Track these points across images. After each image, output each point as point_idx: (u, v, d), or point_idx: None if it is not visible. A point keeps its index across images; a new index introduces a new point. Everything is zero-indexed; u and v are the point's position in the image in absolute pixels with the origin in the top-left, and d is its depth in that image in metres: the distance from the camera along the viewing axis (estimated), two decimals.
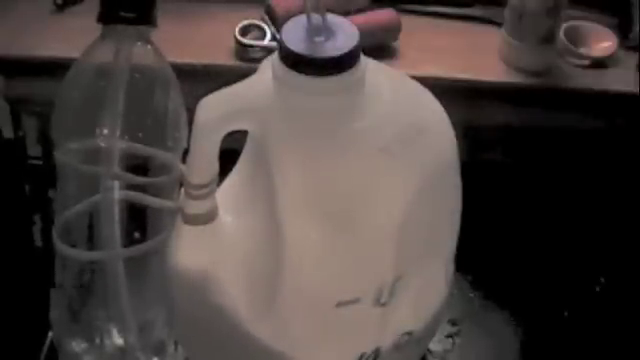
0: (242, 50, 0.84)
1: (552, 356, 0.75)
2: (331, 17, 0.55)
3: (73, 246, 0.59)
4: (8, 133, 0.87)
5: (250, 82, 0.57)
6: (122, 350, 0.60)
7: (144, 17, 0.57)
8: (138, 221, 0.59)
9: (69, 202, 0.58)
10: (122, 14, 0.57)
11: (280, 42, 0.54)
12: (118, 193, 0.57)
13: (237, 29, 0.84)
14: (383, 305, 0.58)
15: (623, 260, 0.82)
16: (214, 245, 0.59)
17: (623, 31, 0.89)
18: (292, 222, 0.55)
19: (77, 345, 0.61)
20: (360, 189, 0.55)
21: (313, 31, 0.54)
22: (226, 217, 0.59)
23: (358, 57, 0.55)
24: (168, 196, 0.59)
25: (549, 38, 0.84)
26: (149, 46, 0.58)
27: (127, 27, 0.57)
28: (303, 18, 0.54)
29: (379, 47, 0.85)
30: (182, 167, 0.58)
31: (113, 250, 0.57)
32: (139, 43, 0.58)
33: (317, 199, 0.55)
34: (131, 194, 0.58)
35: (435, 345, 0.74)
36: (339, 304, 0.56)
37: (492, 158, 0.88)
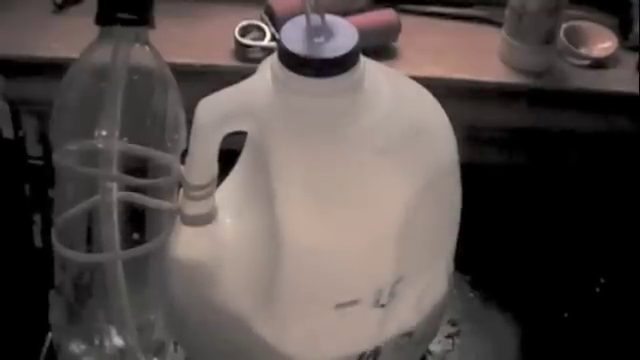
0: (242, 50, 0.84)
1: (552, 356, 0.75)
2: (330, 18, 0.55)
3: (72, 248, 0.58)
4: (8, 133, 0.87)
5: (249, 83, 0.57)
6: (122, 351, 0.60)
7: (142, 18, 0.57)
8: (137, 222, 0.59)
9: (68, 204, 0.58)
10: (120, 15, 0.56)
11: (279, 43, 0.54)
12: (117, 194, 0.57)
13: (237, 29, 0.84)
14: (382, 306, 0.58)
15: (623, 261, 0.82)
16: (213, 246, 0.59)
17: (623, 31, 0.89)
18: (291, 223, 0.55)
19: (76, 346, 0.61)
20: (359, 190, 0.55)
21: (312, 32, 0.54)
22: (225, 218, 0.59)
23: (357, 58, 0.55)
24: (167, 197, 0.59)
25: (549, 38, 0.84)
26: (147, 47, 0.58)
27: (125, 28, 0.57)
28: (302, 19, 0.54)
29: (379, 47, 0.85)
30: (181, 168, 0.58)
31: (112, 252, 0.57)
32: (137, 44, 0.58)
33: (316, 200, 0.55)
34: (130, 195, 0.58)
35: (435, 345, 0.74)
36: (338, 305, 0.56)
37: (492, 158, 0.88)
